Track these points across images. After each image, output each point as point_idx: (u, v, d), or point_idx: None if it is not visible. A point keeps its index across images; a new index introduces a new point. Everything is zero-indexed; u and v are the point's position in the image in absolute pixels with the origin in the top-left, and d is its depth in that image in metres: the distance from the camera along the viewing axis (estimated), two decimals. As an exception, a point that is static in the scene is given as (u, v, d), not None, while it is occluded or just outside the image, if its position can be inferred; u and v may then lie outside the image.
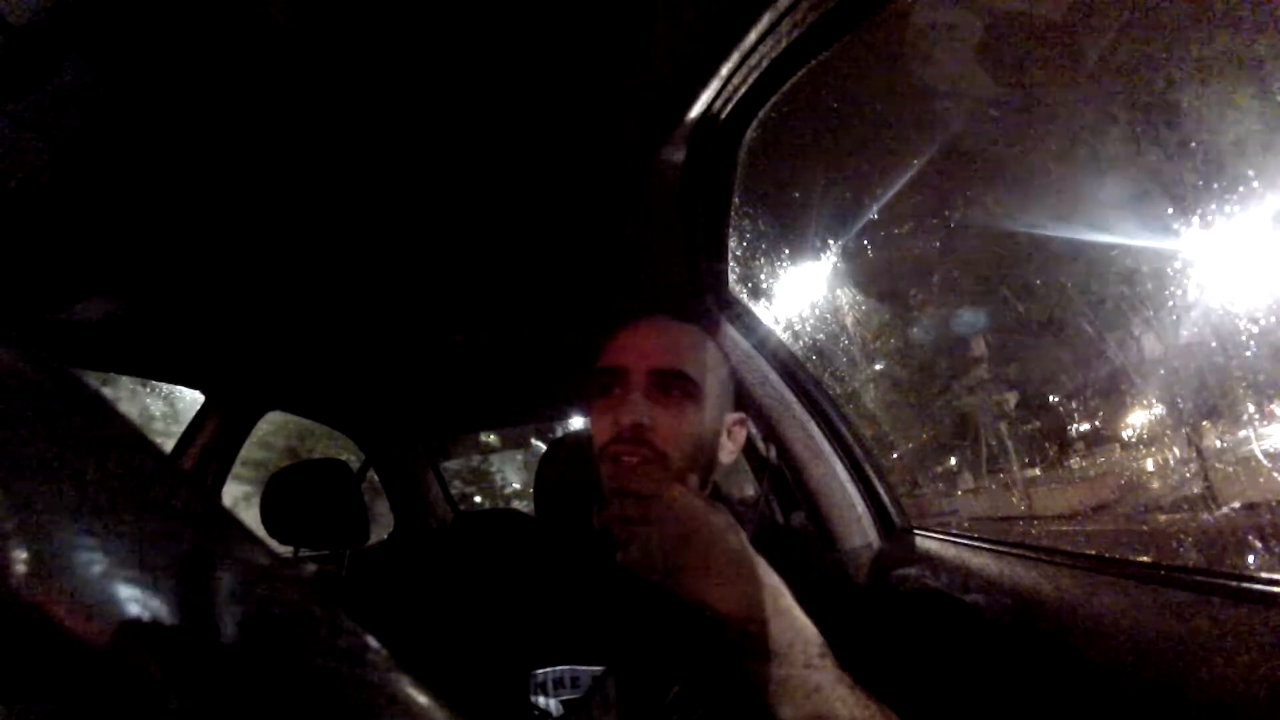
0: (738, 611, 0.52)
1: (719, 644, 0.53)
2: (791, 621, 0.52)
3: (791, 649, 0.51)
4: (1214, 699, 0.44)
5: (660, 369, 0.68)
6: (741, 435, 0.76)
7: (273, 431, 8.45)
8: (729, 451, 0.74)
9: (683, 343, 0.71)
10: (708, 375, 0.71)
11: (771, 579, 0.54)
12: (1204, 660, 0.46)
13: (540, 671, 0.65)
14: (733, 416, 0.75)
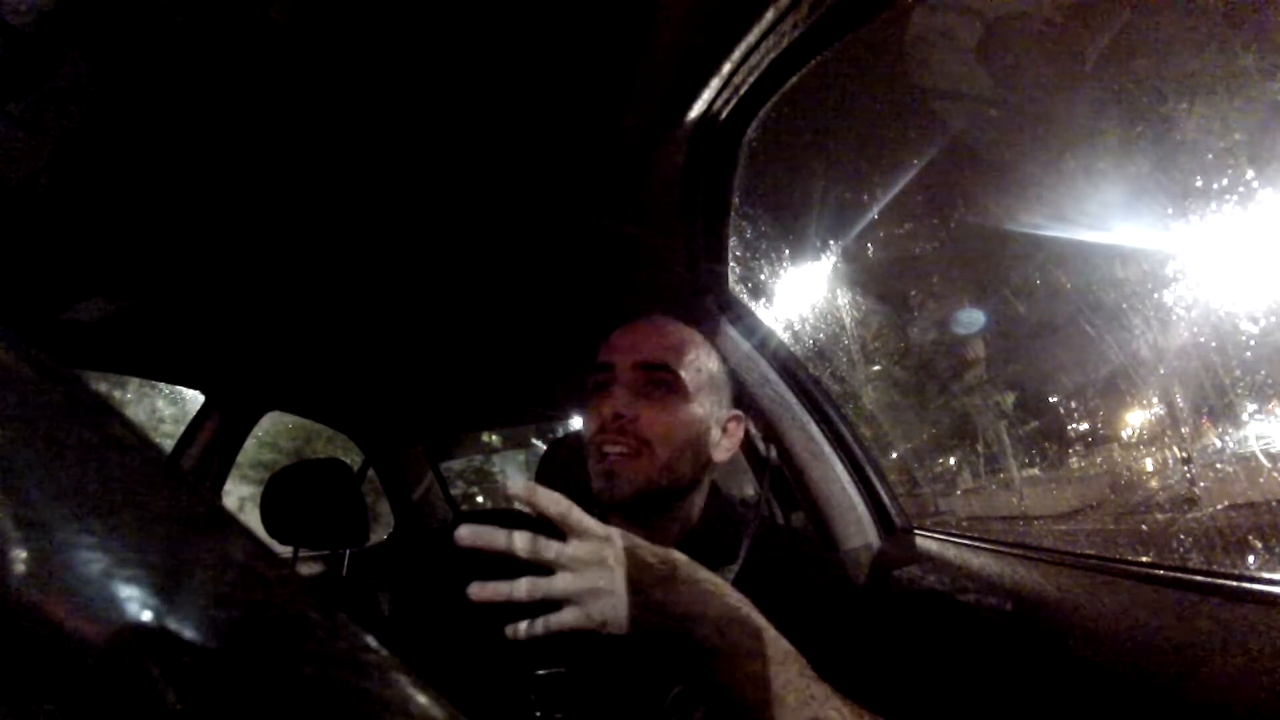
0: (710, 634, 0.52)
1: (701, 653, 0.53)
2: (766, 637, 0.53)
3: (772, 664, 0.51)
4: (1214, 699, 0.44)
5: (644, 362, 0.70)
6: (738, 433, 0.76)
7: (280, 434, 8.44)
8: (724, 449, 0.74)
9: (669, 338, 0.72)
10: (695, 369, 0.71)
11: (735, 597, 0.54)
12: (1204, 660, 0.46)
13: (541, 671, 0.65)
14: (728, 413, 0.75)
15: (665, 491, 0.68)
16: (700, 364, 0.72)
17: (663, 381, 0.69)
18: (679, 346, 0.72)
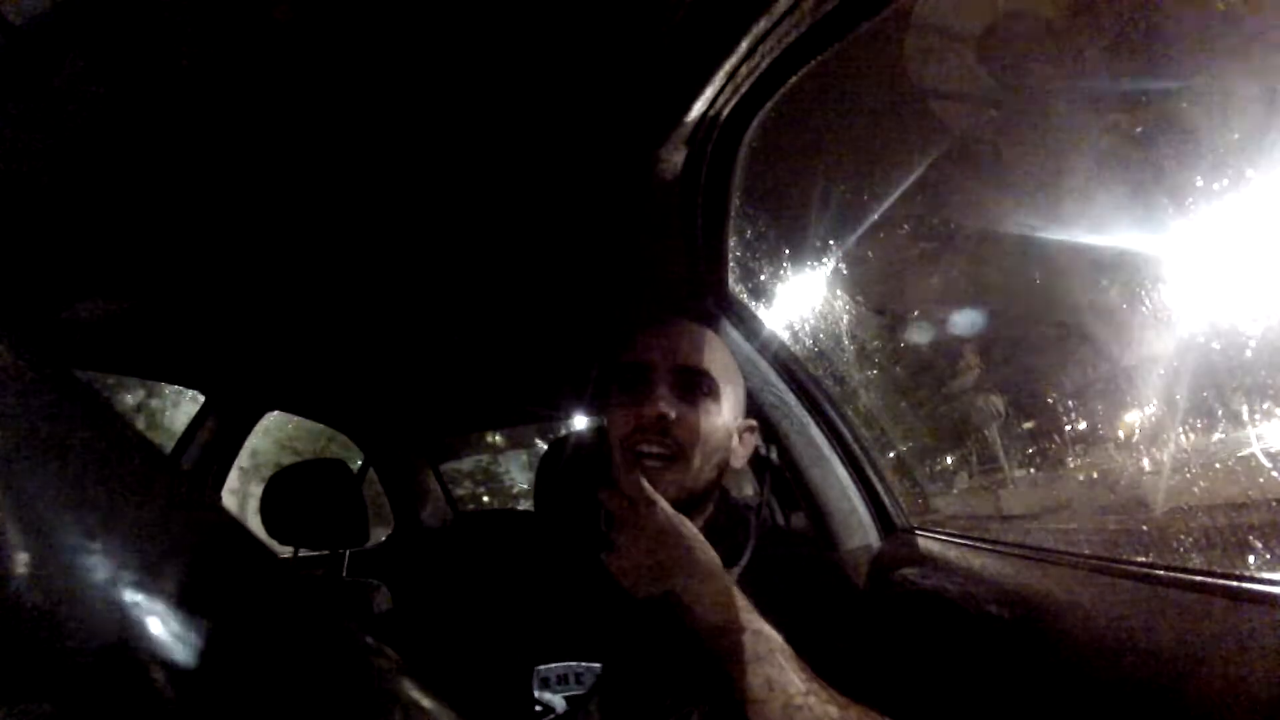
0: (708, 625, 0.54)
1: (701, 650, 0.54)
2: (763, 644, 0.53)
3: (766, 668, 0.52)
4: (1214, 700, 0.44)
5: (686, 367, 0.70)
6: (751, 442, 0.77)
7: (298, 436, 8.38)
8: (739, 457, 0.75)
9: (707, 345, 0.73)
10: (726, 377, 0.72)
11: (741, 600, 0.56)
12: (1204, 661, 0.46)
13: (543, 667, 0.65)
14: (744, 423, 0.76)
15: (691, 496, 0.68)
16: (729, 372, 0.73)
17: (700, 387, 0.69)
18: (713, 353, 0.72)
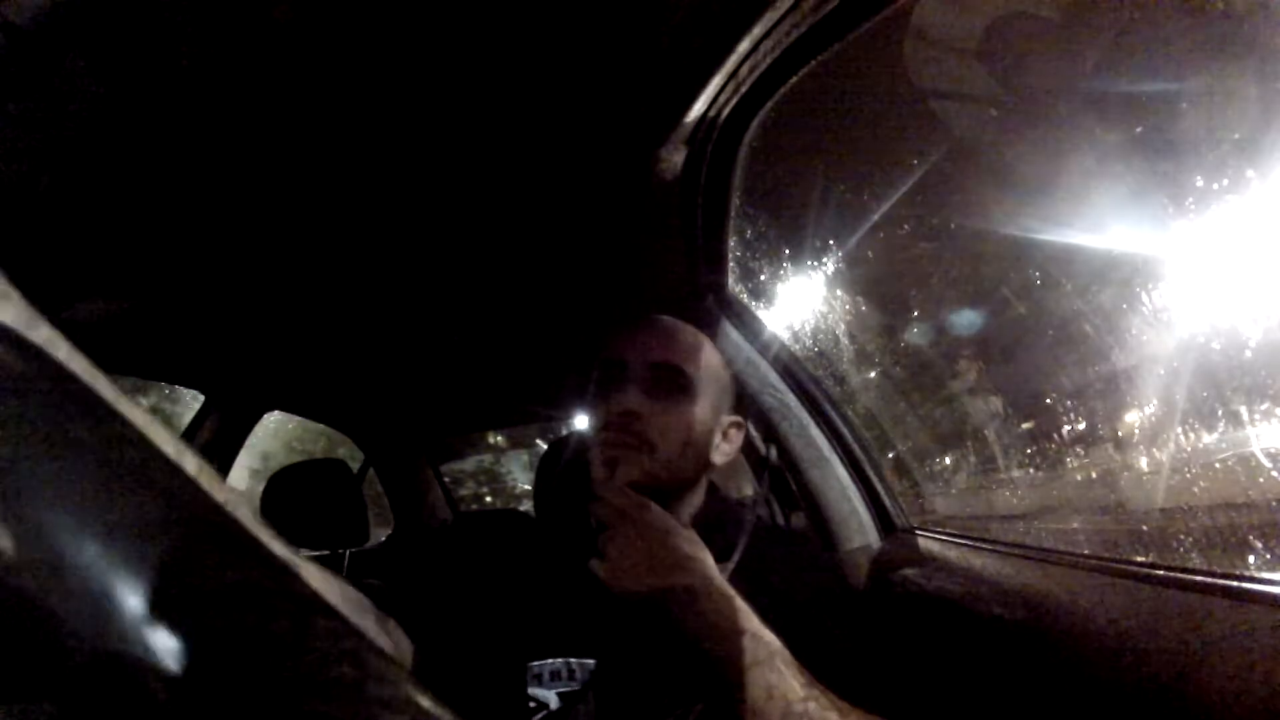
0: (704, 627, 0.54)
1: (698, 652, 0.54)
2: (762, 648, 0.53)
3: (766, 673, 0.52)
4: (1214, 700, 0.44)
5: (658, 363, 0.70)
6: (738, 438, 0.76)
7: (305, 437, 8.37)
8: (723, 453, 0.74)
9: (682, 341, 0.73)
10: (704, 374, 0.72)
11: (739, 603, 0.56)
12: (1204, 661, 0.46)
13: (537, 663, 0.65)
14: (729, 419, 0.75)
15: (664, 488, 0.68)
16: (709, 368, 0.73)
17: (673, 383, 0.70)
18: (691, 349, 0.72)
